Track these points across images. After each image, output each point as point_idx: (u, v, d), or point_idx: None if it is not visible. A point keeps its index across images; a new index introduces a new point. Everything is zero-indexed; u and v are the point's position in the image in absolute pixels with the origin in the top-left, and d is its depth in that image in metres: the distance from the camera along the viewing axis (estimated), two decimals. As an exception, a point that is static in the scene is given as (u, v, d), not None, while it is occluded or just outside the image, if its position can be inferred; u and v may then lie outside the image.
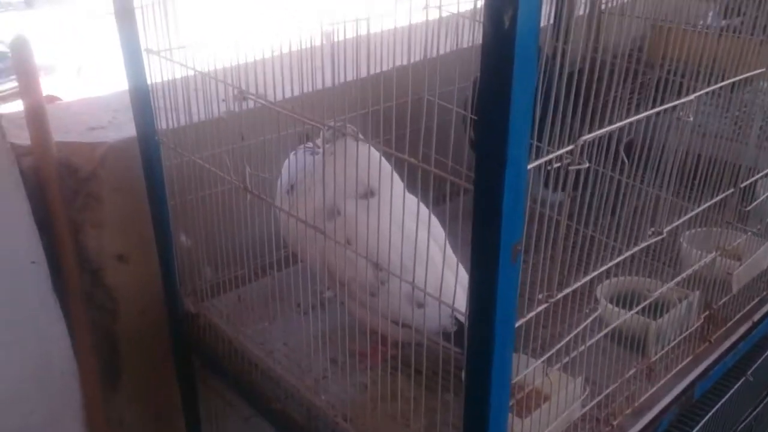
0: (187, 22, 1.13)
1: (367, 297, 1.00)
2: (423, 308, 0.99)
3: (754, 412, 1.52)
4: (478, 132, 0.61)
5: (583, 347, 0.88)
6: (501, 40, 0.57)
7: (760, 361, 1.41)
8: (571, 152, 0.69)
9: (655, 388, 1.07)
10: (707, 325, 1.17)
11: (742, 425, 1.47)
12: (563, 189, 0.73)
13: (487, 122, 0.60)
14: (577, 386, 0.89)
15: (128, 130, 1.23)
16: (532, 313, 0.75)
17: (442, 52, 0.99)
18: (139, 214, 1.25)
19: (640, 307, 0.97)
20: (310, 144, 1.08)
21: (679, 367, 1.12)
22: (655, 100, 0.83)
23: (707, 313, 1.14)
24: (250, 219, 1.08)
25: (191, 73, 1.08)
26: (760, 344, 1.43)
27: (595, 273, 0.83)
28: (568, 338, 0.84)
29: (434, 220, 0.95)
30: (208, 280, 1.27)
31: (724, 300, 1.18)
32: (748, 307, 1.28)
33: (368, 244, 0.92)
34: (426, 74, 0.84)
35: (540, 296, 0.77)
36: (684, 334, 1.09)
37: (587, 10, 1.22)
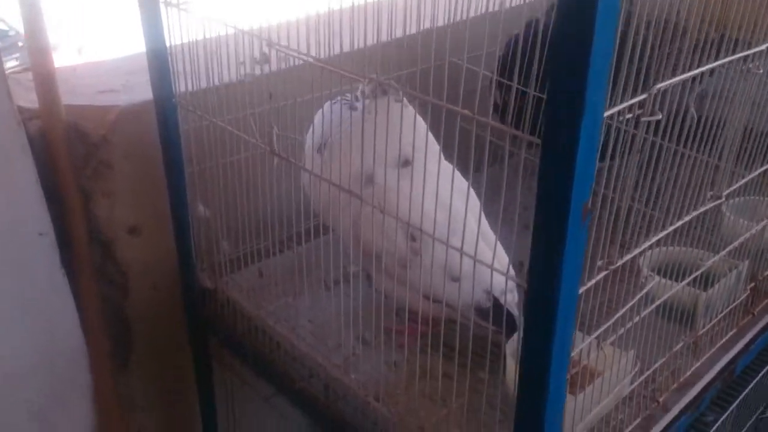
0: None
1: (399, 269, 0.94)
2: (458, 282, 0.93)
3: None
4: (550, 74, 0.55)
5: (635, 320, 0.82)
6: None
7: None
8: (643, 102, 0.62)
9: (699, 363, 1.02)
10: (752, 297, 1.12)
11: None
12: (629, 149, 0.67)
13: (564, 62, 0.53)
14: (628, 361, 0.84)
15: (142, 93, 1.16)
16: (593, 281, 0.69)
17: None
18: (153, 183, 1.19)
19: (691, 277, 0.91)
20: (348, 95, 1.00)
21: (723, 340, 1.07)
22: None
23: (753, 284, 1.09)
24: (275, 187, 1.02)
25: (213, 27, 1.01)
26: None
27: (655, 239, 0.78)
28: (622, 311, 0.78)
29: (471, 191, 0.90)
30: (227, 254, 1.21)
31: (768, 272, 1.12)
32: (786, 278, 1.23)
33: (402, 213, 0.86)
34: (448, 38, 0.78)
35: (600, 263, 0.72)
36: (731, 306, 1.04)
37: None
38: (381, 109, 0.85)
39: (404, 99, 0.91)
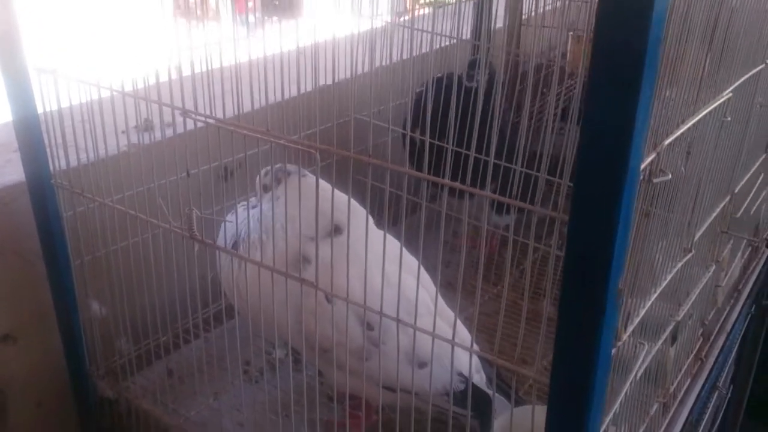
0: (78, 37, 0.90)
1: (355, 362, 0.81)
2: (425, 368, 0.82)
3: (716, 423, 1.48)
4: (582, 134, 0.46)
5: (626, 392, 0.75)
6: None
7: (726, 371, 1.37)
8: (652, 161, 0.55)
9: (667, 421, 0.97)
10: (701, 343, 1.09)
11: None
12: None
13: (606, 120, 0.45)
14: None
15: (10, 173, 0.97)
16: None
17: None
18: (30, 281, 0.98)
19: (666, 333, 0.86)
20: (244, 202, 0.90)
21: (682, 393, 1.03)
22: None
23: (702, 329, 1.06)
24: (179, 269, 0.86)
25: (94, 93, 0.85)
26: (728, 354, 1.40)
27: (650, 302, 0.71)
28: (626, 386, 0.71)
29: (413, 260, 0.80)
30: (126, 354, 1.02)
31: (711, 314, 1.11)
32: (722, 318, 1.23)
33: (353, 298, 0.74)
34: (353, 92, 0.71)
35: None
36: (692, 356, 1.00)
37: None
38: (291, 189, 0.74)
39: (307, 173, 0.82)
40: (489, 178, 0.64)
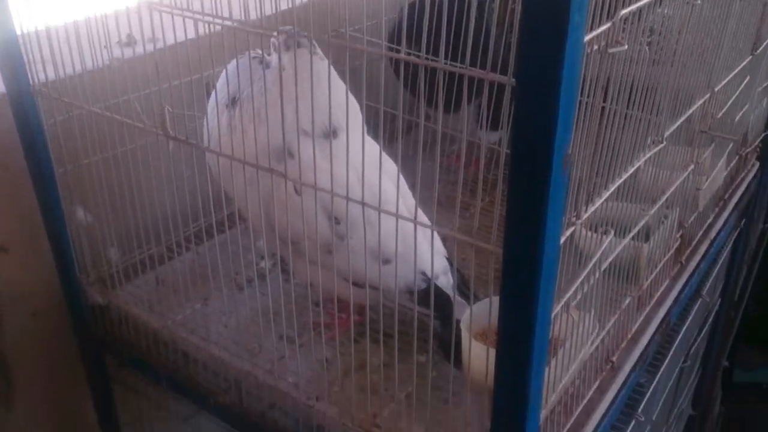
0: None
1: (323, 255, 0.83)
2: (389, 264, 0.84)
3: (702, 333, 1.51)
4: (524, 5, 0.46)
5: (593, 279, 0.76)
6: None
7: (710, 280, 1.39)
8: (607, 32, 0.55)
9: (642, 317, 0.99)
10: (680, 246, 1.10)
11: (693, 347, 1.46)
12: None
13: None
14: (591, 324, 0.78)
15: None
16: (565, 236, 0.62)
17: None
18: (18, 191, 1.00)
19: (636, 230, 0.87)
20: (257, 50, 0.85)
21: (659, 293, 1.05)
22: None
23: (681, 232, 1.07)
24: (167, 181, 0.88)
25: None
26: (713, 262, 1.41)
27: (614, 187, 0.72)
28: (585, 271, 0.72)
29: (392, 165, 0.80)
30: (115, 264, 1.05)
31: (693, 217, 1.12)
32: (705, 225, 1.24)
33: (322, 193, 0.76)
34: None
35: (567, 218, 0.64)
36: (668, 255, 1.01)
37: None
38: (300, 64, 0.73)
39: (319, 51, 0.80)
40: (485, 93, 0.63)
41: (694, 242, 1.18)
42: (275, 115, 0.79)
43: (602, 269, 0.78)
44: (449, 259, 0.92)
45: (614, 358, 0.91)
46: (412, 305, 0.84)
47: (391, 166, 0.79)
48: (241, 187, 0.81)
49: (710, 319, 1.54)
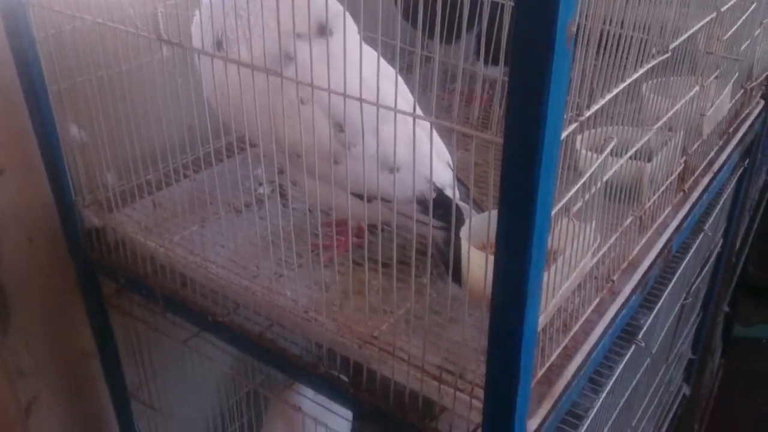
0: None
1: (326, 167, 0.81)
2: (395, 173, 0.82)
3: (703, 272, 1.50)
4: None
5: (594, 189, 0.75)
6: None
7: (712, 216, 1.38)
8: None
9: (645, 240, 0.98)
10: (683, 173, 1.09)
11: (695, 284, 1.45)
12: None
13: None
14: (591, 234, 0.77)
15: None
16: (566, 132, 0.60)
17: None
18: (14, 111, 0.99)
19: (635, 149, 0.85)
20: None
21: (662, 217, 1.04)
22: None
23: (685, 158, 1.06)
24: (164, 104, 0.86)
25: None
26: (716, 197, 1.40)
27: (618, 90, 0.70)
28: (584, 178, 0.71)
29: (390, 69, 0.78)
30: (112, 188, 1.04)
31: (696, 144, 1.10)
32: (709, 157, 1.22)
33: (324, 99, 0.74)
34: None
35: (569, 115, 0.63)
36: (671, 179, 1.00)
37: None
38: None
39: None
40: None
41: (698, 172, 1.16)
42: (270, 21, 0.77)
43: (604, 180, 0.77)
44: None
45: (615, 277, 0.90)
46: (420, 217, 0.83)
47: (389, 70, 0.77)
48: (237, 96, 0.79)
49: (711, 259, 1.54)
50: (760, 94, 1.47)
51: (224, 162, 1.11)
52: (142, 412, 1.23)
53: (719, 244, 1.61)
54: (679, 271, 1.20)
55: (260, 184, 1.11)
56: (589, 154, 0.93)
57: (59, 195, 1.02)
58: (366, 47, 0.75)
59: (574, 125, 0.63)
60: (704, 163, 1.19)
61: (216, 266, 0.93)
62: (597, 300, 0.87)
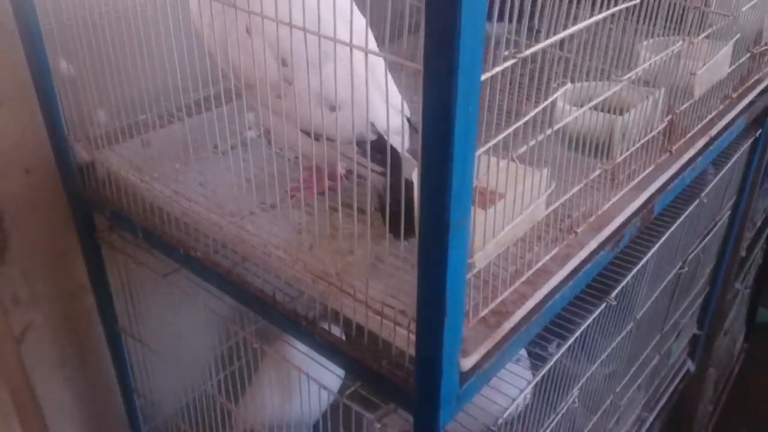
0: None
1: (274, 99, 0.83)
2: (335, 112, 0.83)
3: (703, 242, 1.47)
4: None
5: (545, 134, 0.75)
6: None
7: (711, 184, 1.35)
8: None
9: (618, 197, 0.97)
10: (668, 133, 1.07)
11: (692, 254, 1.43)
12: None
13: None
14: (542, 180, 0.77)
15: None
16: (498, 68, 0.61)
17: None
18: (11, 46, 1.03)
19: (602, 98, 0.85)
20: None
21: (641, 176, 1.03)
22: None
23: (670, 116, 1.04)
24: (157, 45, 0.88)
25: None
26: (715, 164, 1.37)
27: (567, 32, 0.70)
28: (526, 118, 0.71)
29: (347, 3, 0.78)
30: (104, 125, 1.07)
31: (686, 105, 1.08)
32: (706, 120, 1.20)
33: (271, 34, 0.75)
34: None
35: (506, 52, 0.63)
36: (649, 136, 0.99)
37: None
38: None
39: None
40: None
41: (690, 134, 1.14)
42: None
43: (555, 128, 0.77)
44: (410, 120, 0.91)
45: (578, 230, 0.90)
46: (361, 160, 0.84)
47: (344, 4, 0.77)
48: (208, 25, 0.81)
49: (714, 230, 1.51)
50: (771, 61, 1.43)
51: (222, 107, 1.13)
52: (133, 347, 1.28)
53: (726, 216, 1.58)
54: (666, 236, 1.19)
55: (249, 128, 1.14)
56: (567, 107, 0.93)
57: (52, 129, 1.07)
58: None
59: (510, 62, 0.63)
60: (699, 126, 1.17)
61: (190, 202, 0.96)
62: (555, 249, 0.87)
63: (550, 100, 0.72)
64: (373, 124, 0.85)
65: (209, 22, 0.84)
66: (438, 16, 0.52)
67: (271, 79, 0.83)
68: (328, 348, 0.85)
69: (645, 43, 1.09)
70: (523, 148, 0.71)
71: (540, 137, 0.74)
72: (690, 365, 1.93)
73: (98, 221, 1.16)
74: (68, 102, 1.05)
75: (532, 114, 0.70)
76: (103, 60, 0.99)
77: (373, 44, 0.87)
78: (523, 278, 0.82)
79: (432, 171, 0.59)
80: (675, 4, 0.94)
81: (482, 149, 0.62)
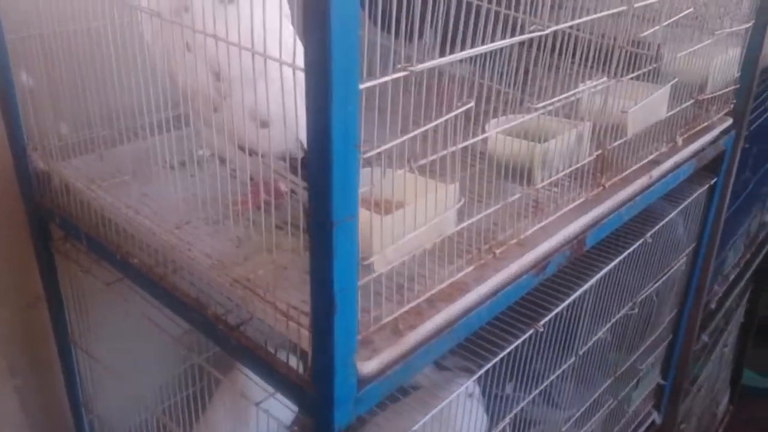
0: None
1: (208, 113, 0.88)
2: (267, 128, 0.87)
3: (655, 285, 1.49)
4: None
5: (455, 148, 0.79)
6: None
7: (659, 226, 1.38)
8: None
9: (542, 224, 1.01)
10: (600, 167, 1.11)
11: (642, 296, 1.44)
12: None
13: None
14: (449, 194, 0.81)
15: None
16: (385, 79, 0.65)
17: None
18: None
19: (513, 124, 0.89)
20: None
21: (570, 207, 1.06)
22: None
23: (600, 151, 1.08)
24: (119, 62, 0.94)
25: None
26: (662, 207, 1.40)
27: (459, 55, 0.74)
28: (425, 128, 0.74)
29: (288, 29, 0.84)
30: (63, 137, 1.13)
31: (618, 142, 1.12)
32: (647, 160, 1.23)
33: (210, 49, 0.81)
34: None
35: (399, 66, 0.68)
36: (573, 167, 1.02)
37: None
38: None
39: None
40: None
41: (627, 171, 1.18)
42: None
43: (458, 146, 0.80)
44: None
45: (498, 251, 0.93)
46: (288, 175, 0.88)
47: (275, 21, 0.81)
48: (152, 41, 0.87)
49: (667, 276, 1.52)
50: (724, 111, 1.47)
51: (182, 129, 1.18)
52: (84, 361, 1.30)
53: (682, 263, 1.60)
54: (603, 272, 1.21)
55: (201, 147, 1.18)
56: (500, 136, 0.98)
57: (12, 139, 1.12)
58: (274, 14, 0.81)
59: (400, 74, 0.67)
60: (638, 165, 1.21)
61: (128, 208, 1.00)
62: (470, 267, 0.90)
63: (445, 117, 0.75)
64: (302, 142, 0.90)
65: (153, 37, 0.90)
66: (313, 29, 0.57)
67: (207, 94, 0.88)
68: (245, 355, 0.87)
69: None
70: (424, 161, 0.75)
71: (443, 152, 0.78)
72: (656, 417, 1.92)
73: (54, 231, 1.20)
74: (28, 113, 1.10)
75: (426, 127, 0.74)
76: (63, 75, 1.05)
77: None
78: (433, 291, 0.85)
79: (315, 171, 0.63)
80: (600, 43, 0.99)
81: (372, 153, 0.66)
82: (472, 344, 1.04)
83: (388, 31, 0.91)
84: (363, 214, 0.73)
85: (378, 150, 0.67)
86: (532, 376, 1.17)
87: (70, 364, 1.30)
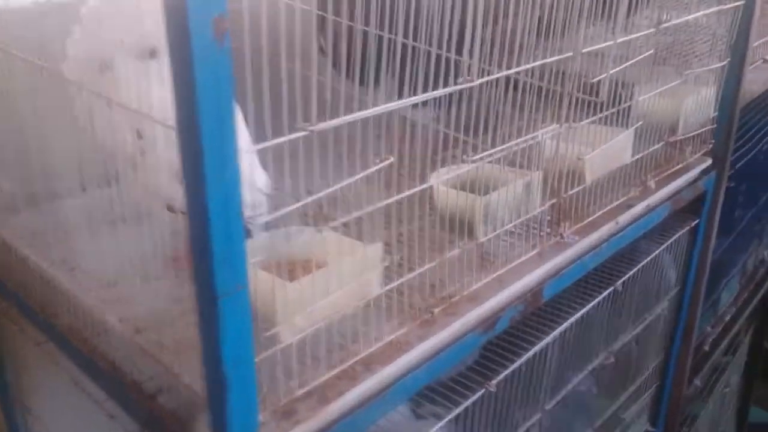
0: None
1: (129, 170, 0.84)
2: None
3: (635, 332, 1.42)
4: None
5: (379, 204, 0.74)
6: None
7: (631, 273, 1.31)
8: None
9: (489, 278, 0.95)
10: (557, 217, 1.05)
11: (620, 344, 1.37)
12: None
13: None
14: (371, 253, 0.75)
15: None
16: (281, 140, 0.61)
17: None
18: None
19: (451, 175, 0.84)
20: None
21: (523, 259, 1.00)
22: None
23: (554, 201, 1.02)
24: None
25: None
26: (631, 254, 1.34)
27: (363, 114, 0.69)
28: (338, 186, 0.69)
29: None
30: (7, 193, 1.09)
31: (576, 189, 1.06)
32: (614, 204, 1.17)
33: (132, 107, 0.77)
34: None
35: (300, 124, 0.63)
36: (522, 218, 0.97)
37: None
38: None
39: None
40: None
41: (590, 219, 1.12)
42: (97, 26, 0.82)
43: (384, 203, 0.75)
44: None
45: (436, 310, 0.88)
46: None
47: None
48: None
49: (648, 322, 1.45)
50: (702, 151, 1.41)
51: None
52: (30, 422, 1.25)
53: (664, 309, 1.52)
54: (568, 323, 1.14)
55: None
56: (443, 188, 0.93)
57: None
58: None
59: (302, 134, 0.63)
60: (602, 212, 1.15)
61: (59, 270, 0.96)
62: (404, 329, 0.84)
63: (365, 173, 0.70)
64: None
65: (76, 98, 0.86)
66: (180, 87, 0.53)
67: (126, 150, 0.84)
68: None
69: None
70: (345, 219, 0.70)
71: (369, 208, 0.73)
72: (649, 466, 1.82)
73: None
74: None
75: (344, 184, 0.69)
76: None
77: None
78: (367, 353, 0.79)
79: (194, 241, 0.58)
80: (548, 89, 0.94)
81: (262, 219, 0.61)
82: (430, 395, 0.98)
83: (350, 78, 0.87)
84: (266, 280, 0.68)
85: (272, 216, 0.62)
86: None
87: (13, 423, 1.25)
